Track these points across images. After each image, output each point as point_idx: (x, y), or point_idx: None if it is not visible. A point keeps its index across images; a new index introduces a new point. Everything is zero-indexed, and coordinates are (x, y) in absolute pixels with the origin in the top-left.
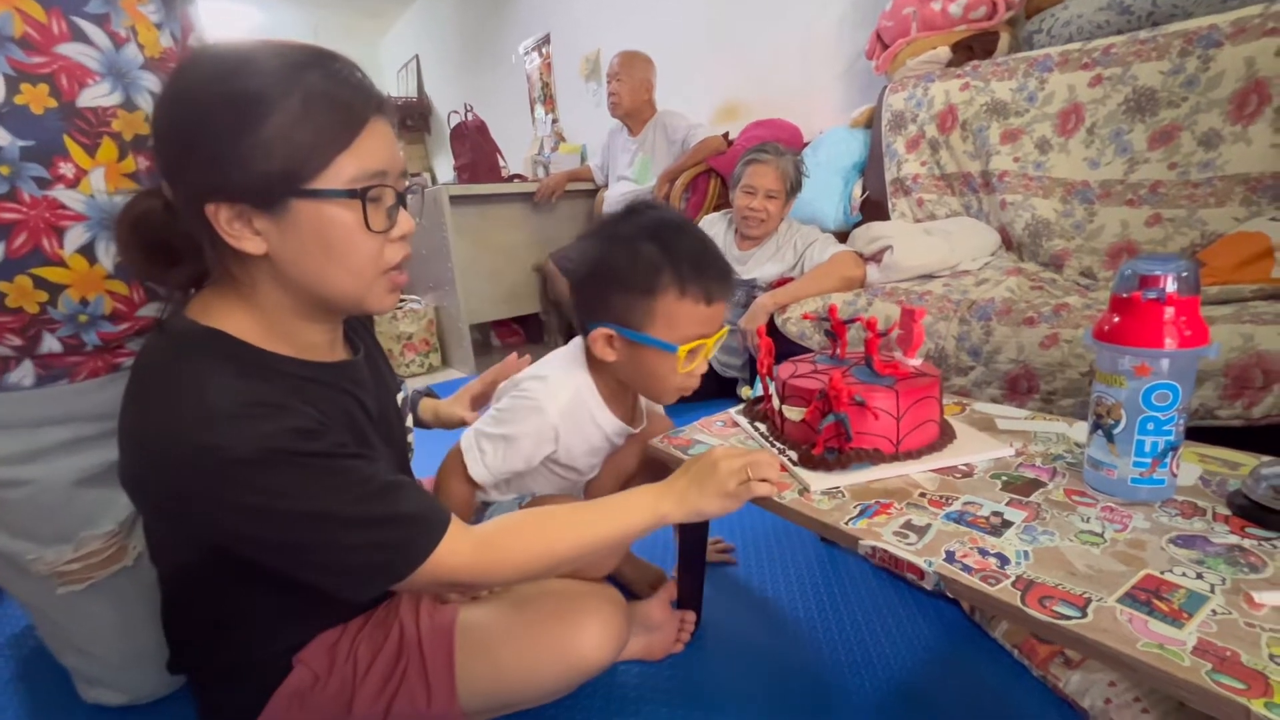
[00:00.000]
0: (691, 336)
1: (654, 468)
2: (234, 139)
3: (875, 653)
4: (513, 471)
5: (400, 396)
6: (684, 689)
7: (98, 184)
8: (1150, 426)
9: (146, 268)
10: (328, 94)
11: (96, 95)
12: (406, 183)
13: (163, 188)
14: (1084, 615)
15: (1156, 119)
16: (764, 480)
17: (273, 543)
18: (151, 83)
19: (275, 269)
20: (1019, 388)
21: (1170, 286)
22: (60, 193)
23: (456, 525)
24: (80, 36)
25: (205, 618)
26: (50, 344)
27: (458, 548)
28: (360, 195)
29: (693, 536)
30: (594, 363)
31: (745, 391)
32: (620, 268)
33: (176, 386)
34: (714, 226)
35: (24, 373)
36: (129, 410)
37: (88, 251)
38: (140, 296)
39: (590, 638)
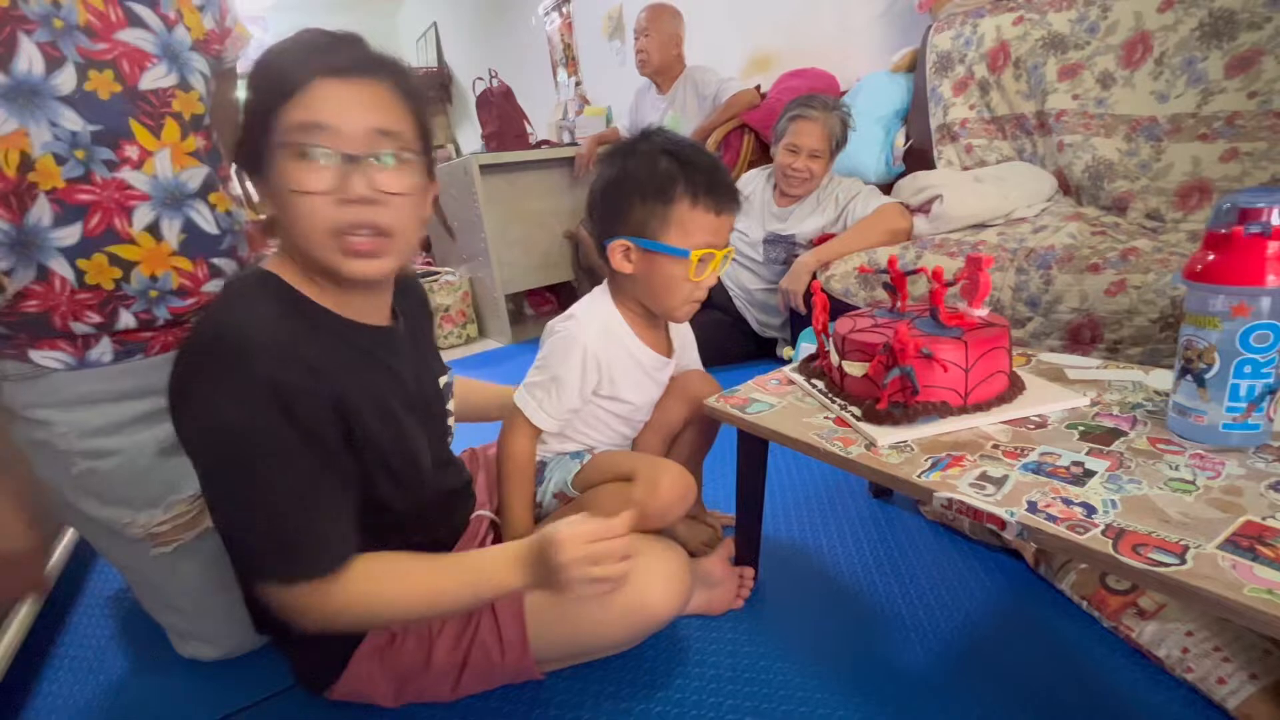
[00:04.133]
0: (702, 244)
1: (702, 425)
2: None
3: (937, 606)
4: (570, 410)
5: (444, 381)
6: (747, 642)
7: (163, 165)
8: (1247, 369)
9: None
10: (281, 54)
11: (156, 78)
12: (387, 147)
13: None
14: (1183, 562)
15: (1235, 44)
16: (608, 575)
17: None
18: (200, 64)
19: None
20: (1081, 337)
21: (1277, 219)
22: (127, 174)
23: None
24: (136, 22)
25: None
26: (126, 319)
27: (306, 592)
28: (291, 147)
29: (750, 495)
30: (617, 295)
31: (786, 352)
32: (639, 179)
33: (221, 308)
34: (752, 182)
35: (103, 349)
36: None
37: (154, 230)
38: (204, 273)
39: (657, 590)
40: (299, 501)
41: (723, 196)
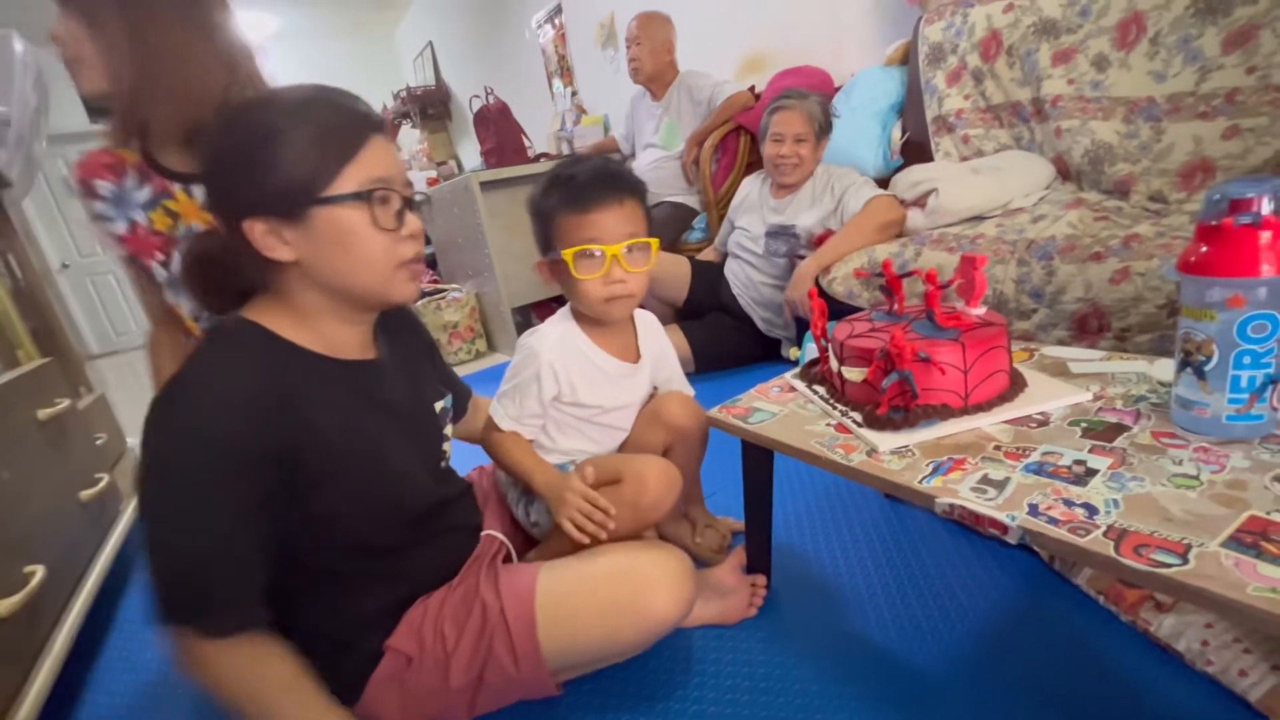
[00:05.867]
0: (576, 242)
1: (685, 446)
2: (259, 165)
3: (953, 606)
4: (532, 415)
5: (439, 405)
6: (761, 650)
7: None
8: (1247, 360)
9: (202, 293)
10: (331, 120)
11: None
12: (412, 191)
13: (218, 228)
14: (1185, 562)
15: (1230, 19)
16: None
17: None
18: None
19: (305, 272)
20: (1089, 327)
21: (1266, 208)
22: None
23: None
24: None
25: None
26: None
27: (192, 643)
28: (366, 197)
29: (758, 502)
30: (575, 311)
31: (793, 353)
32: (533, 204)
33: (191, 359)
34: (749, 185)
35: None
36: None
37: None
38: None
39: (661, 595)
40: (203, 546)
41: (586, 197)
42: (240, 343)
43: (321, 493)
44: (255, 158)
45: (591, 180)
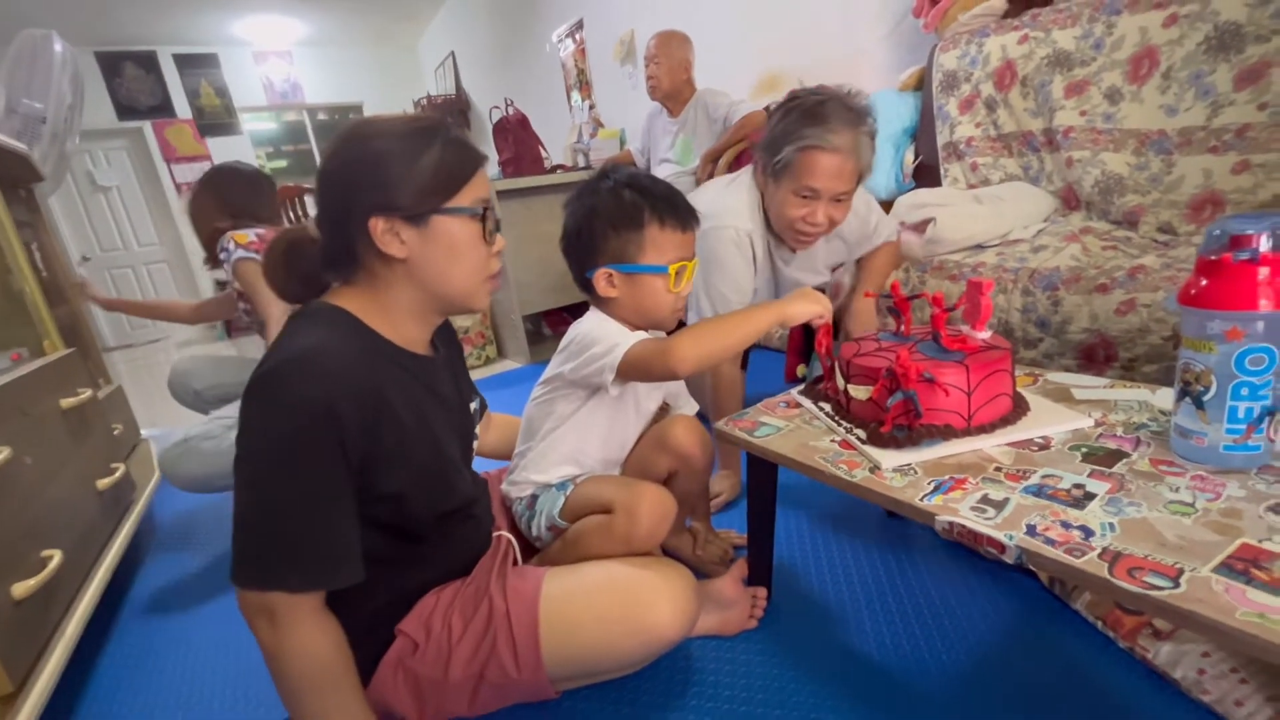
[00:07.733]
0: (675, 259)
1: (689, 470)
2: (395, 172)
3: (951, 627)
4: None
5: (473, 406)
6: (760, 663)
7: None
8: (1244, 392)
9: (285, 279)
10: (454, 145)
11: None
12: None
13: (307, 226)
14: (1176, 585)
15: (1243, 56)
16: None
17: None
18: None
19: (410, 270)
20: (1096, 357)
21: (1265, 246)
22: None
23: (312, 604)
24: None
25: None
26: None
27: (275, 603)
28: (479, 213)
29: (761, 515)
30: (611, 318)
31: (801, 370)
32: (610, 213)
33: (295, 332)
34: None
35: None
36: None
37: None
38: None
39: (664, 611)
40: (312, 511)
41: (685, 215)
42: (333, 322)
43: (392, 471)
44: (390, 165)
45: (684, 205)
